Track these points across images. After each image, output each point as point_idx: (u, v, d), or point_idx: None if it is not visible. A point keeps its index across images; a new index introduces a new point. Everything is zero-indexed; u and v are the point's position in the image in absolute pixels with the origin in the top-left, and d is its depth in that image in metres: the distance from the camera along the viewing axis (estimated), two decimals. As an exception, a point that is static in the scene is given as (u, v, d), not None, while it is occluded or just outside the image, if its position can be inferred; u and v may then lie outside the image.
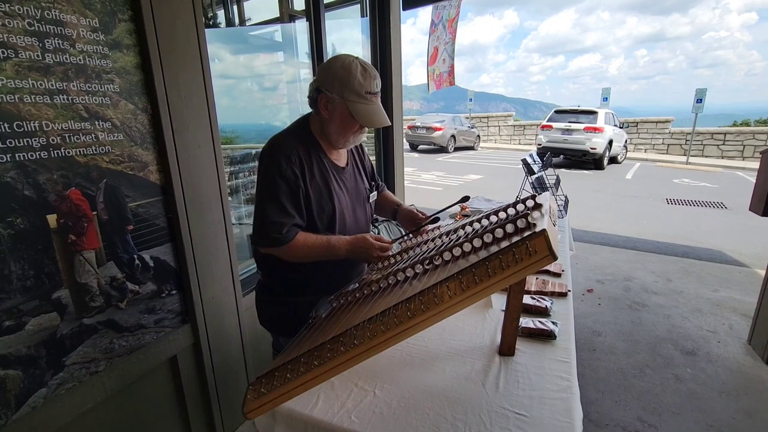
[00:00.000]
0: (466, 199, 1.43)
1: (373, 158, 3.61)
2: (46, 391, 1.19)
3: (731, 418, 2.02)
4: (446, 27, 3.81)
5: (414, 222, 1.43)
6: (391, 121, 3.49)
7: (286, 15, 2.85)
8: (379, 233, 3.04)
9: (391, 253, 1.23)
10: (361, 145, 1.42)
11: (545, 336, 1.18)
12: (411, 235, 1.41)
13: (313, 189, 1.18)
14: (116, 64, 1.29)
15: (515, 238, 0.87)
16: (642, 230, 5.24)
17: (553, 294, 1.46)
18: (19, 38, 1.06)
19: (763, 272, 2.65)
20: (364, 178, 1.40)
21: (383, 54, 3.35)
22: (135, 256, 1.41)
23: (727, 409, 2.08)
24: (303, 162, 1.16)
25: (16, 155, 1.07)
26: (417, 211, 1.44)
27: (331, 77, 1.14)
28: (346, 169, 1.30)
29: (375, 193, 1.44)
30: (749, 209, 2.51)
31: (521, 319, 1.16)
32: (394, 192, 3.69)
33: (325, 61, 2.65)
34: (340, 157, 1.30)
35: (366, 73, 1.13)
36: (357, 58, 1.15)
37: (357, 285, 1.22)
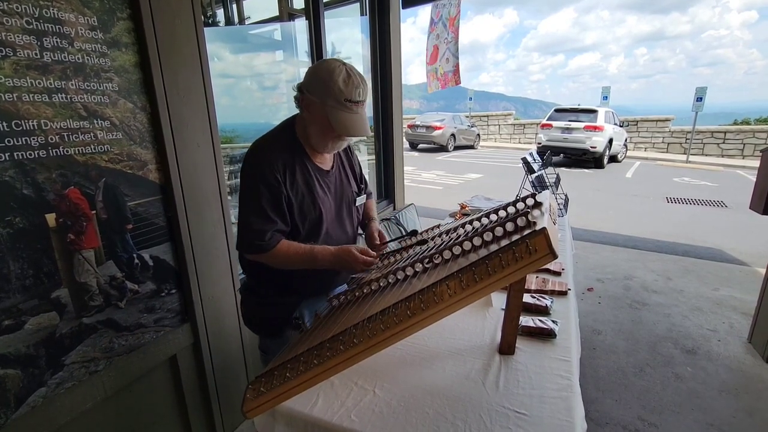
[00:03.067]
0: (414, 233, 1.38)
1: (372, 157, 3.61)
2: (45, 391, 1.19)
3: (731, 416, 2.02)
4: (447, 26, 3.79)
5: (371, 243, 1.38)
6: (392, 119, 3.50)
7: (286, 14, 2.85)
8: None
9: (375, 267, 1.21)
10: (350, 147, 1.39)
11: (545, 335, 1.18)
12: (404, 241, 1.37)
13: (296, 194, 1.16)
14: (115, 62, 1.28)
15: (515, 237, 0.87)
16: (642, 229, 5.24)
17: (553, 293, 1.45)
18: (18, 36, 1.05)
19: (763, 271, 2.65)
20: (351, 181, 1.36)
21: (383, 53, 3.35)
22: (134, 255, 1.41)
23: (727, 408, 2.08)
24: (286, 167, 1.14)
25: (15, 154, 1.07)
26: (379, 236, 1.37)
27: (314, 80, 1.12)
28: (331, 173, 1.27)
29: (363, 197, 1.40)
30: (749, 208, 2.51)
31: (521, 317, 1.16)
32: (394, 191, 3.69)
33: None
34: (325, 161, 1.27)
35: (349, 81, 1.09)
36: (346, 64, 1.12)
37: (347, 288, 1.21)
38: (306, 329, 1.26)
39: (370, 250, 1.20)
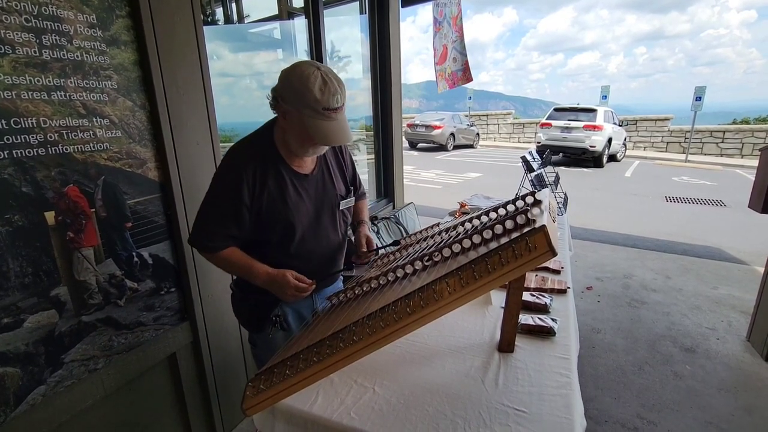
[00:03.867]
0: (396, 243, 1.42)
1: (372, 156, 3.61)
2: (44, 389, 1.19)
3: (730, 414, 2.03)
4: (451, 25, 3.76)
5: (358, 247, 1.37)
6: (391, 119, 3.50)
7: (285, 12, 2.84)
8: (378, 232, 3.04)
9: (306, 295, 1.18)
10: (343, 148, 1.35)
11: (544, 333, 1.18)
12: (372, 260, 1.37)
13: (267, 200, 1.14)
14: (114, 60, 1.28)
15: (515, 234, 0.87)
16: (641, 228, 5.24)
17: (552, 291, 1.46)
18: (16, 34, 1.05)
19: (761, 269, 2.66)
20: (338, 183, 1.31)
21: (382, 51, 3.34)
22: (134, 254, 1.40)
23: (725, 406, 2.08)
24: (256, 174, 1.12)
25: (14, 152, 1.06)
26: (365, 242, 1.36)
27: (288, 88, 1.06)
28: (311, 176, 1.23)
29: (350, 199, 1.35)
30: (748, 206, 2.51)
31: (521, 315, 1.16)
32: (393, 190, 3.69)
33: (323, 58, 2.63)
34: (304, 164, 1.22)
35: (325, 88, 1.03)
36: (321, 68, 1.05)
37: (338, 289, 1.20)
38: (288, 329, 1.26)
39: (306, 279, 1.16)
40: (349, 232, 1.43)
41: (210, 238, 1.14)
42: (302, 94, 1.03)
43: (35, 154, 1.11)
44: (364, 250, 1.33)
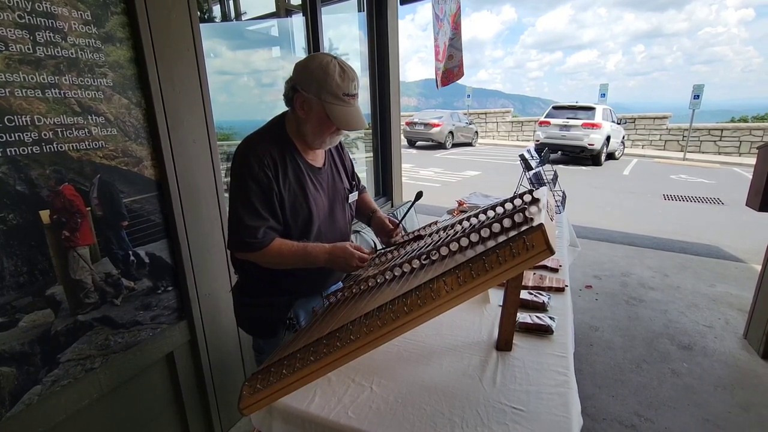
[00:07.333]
0: (419, 195, 1.43)
1: (370, 155, 3.60)
2: (40, 388, 1.19)
3: (727, 412, 2.03)
4: (449, 22, 3.75)
5: (384, 231, 1.40)
6: (389, 117, 3.49)
7: (283, 10, 2.83)
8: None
9: (367, 264, 1.19)
10: (340, 143, 1.36)
11: (542, 331, 1.18)
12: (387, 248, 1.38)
13: (288, 191, 1.14)
14: (109, 57, 1.27)
15: (512, 233, 0.87)
16: (639, 226, 5.25)
17: (550, 289, 1.46)
18: (9, 31, 1.04)
19: (759, 267, 2.66)
20: (343, 177, 1.35)
21: (380, 49, 3.33)
22: (130, 253, 1.40)
23: (723, 403, 2.09)
24: (277, 164, 1.12)
25: (8, 150, 1.06)
26: (389, 220, 1.40)
27: (307, 77, 1.09)
28: (323, 170, 1.25)
29: (355, 193, 1.39)
30: (746, 204, 2.52)
31: (518, 314, 1.16)
32: (392, 188, 3.69)
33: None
34: (317, 158, 1.25)
35: (344, 74, 1.08)
36: (336, 57, 1.10)
37: (343, 285, 1.21)
38: (301, 328, 1.25)
39: (364, 248, 1.18)
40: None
41: (252, 234, 1.09)
42: (323, 80, 1.07)
43: (30, 152, 1.10)
44: (391, 228, 1.39)
